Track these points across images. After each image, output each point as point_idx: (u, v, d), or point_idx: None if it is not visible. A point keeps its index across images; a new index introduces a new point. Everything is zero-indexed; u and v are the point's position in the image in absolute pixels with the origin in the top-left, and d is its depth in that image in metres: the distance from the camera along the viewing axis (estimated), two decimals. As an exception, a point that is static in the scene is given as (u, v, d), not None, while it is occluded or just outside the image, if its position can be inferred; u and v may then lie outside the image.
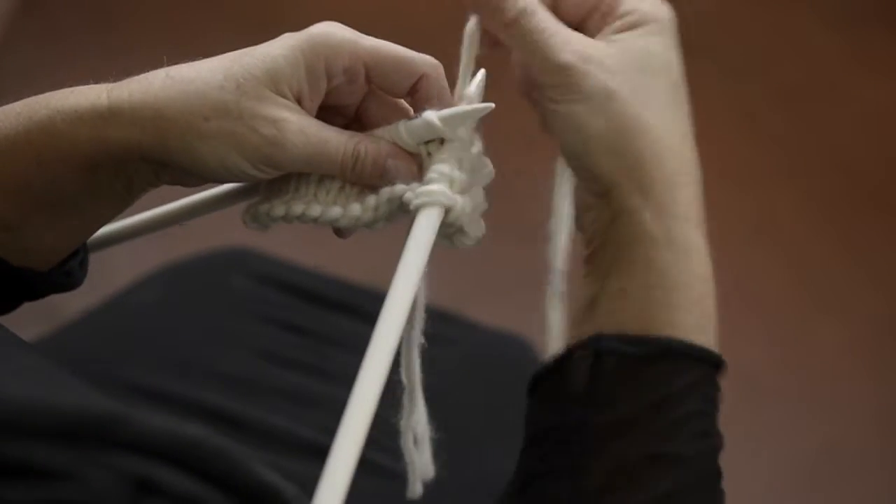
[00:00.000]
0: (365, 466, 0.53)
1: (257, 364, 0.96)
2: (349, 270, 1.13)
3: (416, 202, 0.59)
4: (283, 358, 0.97)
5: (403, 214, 0.60)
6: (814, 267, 1.89)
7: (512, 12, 0.61)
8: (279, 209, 0.62)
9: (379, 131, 0.62)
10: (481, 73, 0.64)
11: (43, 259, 0.62)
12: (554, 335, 0.65)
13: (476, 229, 0.62)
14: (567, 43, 0.61)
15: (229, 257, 1.08)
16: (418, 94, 0.61)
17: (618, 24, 0.63)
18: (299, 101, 0.60)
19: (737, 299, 1.85)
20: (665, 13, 0.64)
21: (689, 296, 0.61)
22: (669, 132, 0.62)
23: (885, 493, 1.67)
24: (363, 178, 0.61)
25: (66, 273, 0.64)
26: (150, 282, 1.06)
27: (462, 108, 0.61)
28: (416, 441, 0.65)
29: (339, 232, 0.64)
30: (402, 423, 0.64)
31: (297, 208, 0.62)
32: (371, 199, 0.61)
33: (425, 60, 0.61)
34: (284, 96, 0.59)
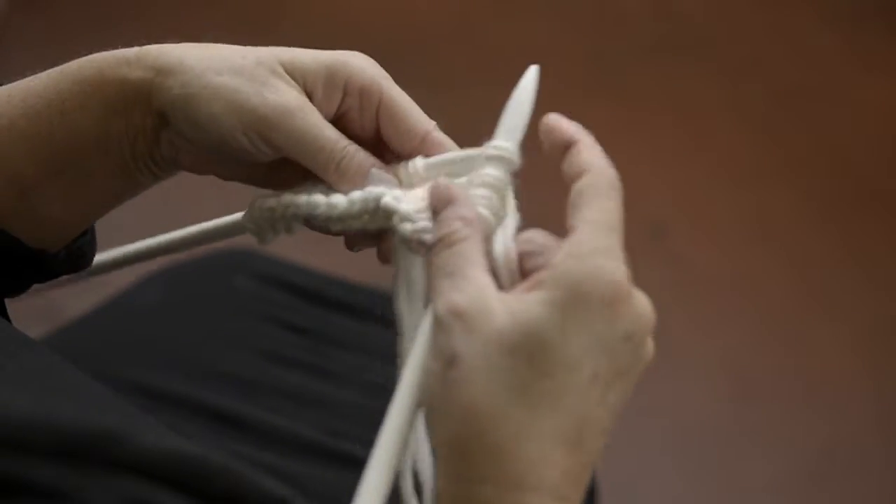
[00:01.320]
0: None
1: (258, 364, 0.96)
2: (350, 270, 1.13)
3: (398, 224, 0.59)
4: (284, 358, 0.97)
5: (378, 226, 0.60)
6: (813, 267, 1.89)
7: (434, 239, 0.55)
8: (270, 202, 0.63)
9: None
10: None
11: (53, 234, 0.64)
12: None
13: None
14: (457, 290, 0.52)
15: (231, 257, 1.08)
16: (427, 147, 0.62)
17: (532, 278, 0.53)
18: (310, 99, 0.61)
19: (736, 299, 1.85)
20: (589, 283, 0.51)
21: None
22: (512, 430, 0.50)
23: (885, 494, 1.67)
24: (345, 178, 0.61)
25: (78, 253, 0.66)
26: (151, 282, 1.06)
27: (450, 155, 0.61)
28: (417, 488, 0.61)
29: (349, 243, 0.64)
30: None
31: (286, 198, 0.62)
32: (356, 194, 0.61)
33: (432, 123, 0.62)
34: (298, 84, 0.61)
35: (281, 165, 0.64)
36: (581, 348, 0.50)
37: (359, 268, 1.23)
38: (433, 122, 0.63)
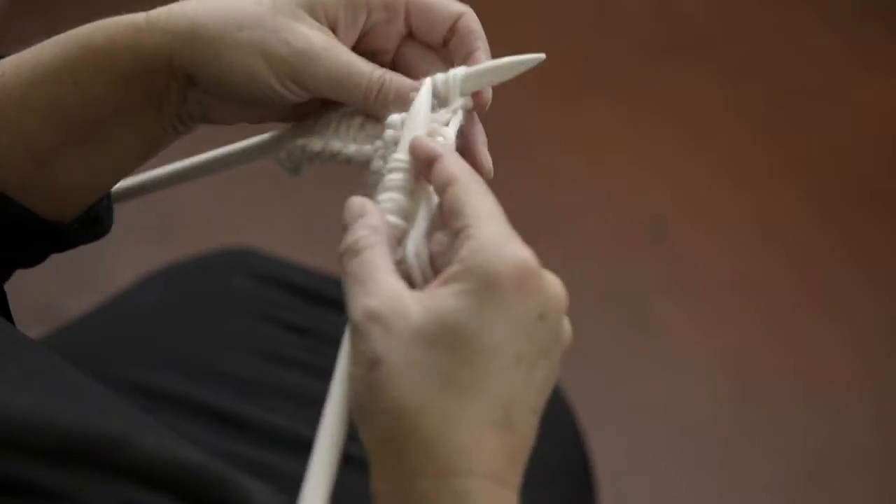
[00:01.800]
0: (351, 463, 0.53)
1: (258, 364, 0.96)
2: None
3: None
4: (284, 358, 0.97)
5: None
6: (813, 267, 1.89)
7: (341, 247, 0.55)
8: (299, 141, 0.64)
9: None
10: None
11: (72, 202, 0.63)
12: None
13: None
14: (369, 295, 0.52)
15: (230, 257, 1.08)
16: (459, 33, 0.62)
17: (442, 275, 0.53)
18: (334, 31, 0.61)
19: (736, 298, 1.85)
20: (499, 267, 0.51)
21: None
22: (440, 421, 0.51)
23: (885, 494, 1.67)
24: (385, 107, 0.61)
25: (94, 220, 0.65)
26: (151, 282, 1.06)
27: (494, 62, 0.61)
28: None
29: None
30: None
31: (317, 144, 0.63)
32: (379, 142, 0.61)
33: (461, 4, 0.62)
34: (319, 20, 0.61)
35: (307, 100, 0.64)
36: (499, 333, 0.51)
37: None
38: (465, 6, 0.63)
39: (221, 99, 0.62)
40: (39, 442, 0.47)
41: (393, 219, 0.57)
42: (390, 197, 0.58)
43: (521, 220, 0.58)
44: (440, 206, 0.56)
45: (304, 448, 0.89)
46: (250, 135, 0.69)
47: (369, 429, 0.52)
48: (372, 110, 0.62)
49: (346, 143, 0.63)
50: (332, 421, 0.53)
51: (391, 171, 0.58)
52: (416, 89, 0.61)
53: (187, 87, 0.61)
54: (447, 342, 0.51)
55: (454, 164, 0.56)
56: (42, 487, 0.46)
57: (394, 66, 0.64)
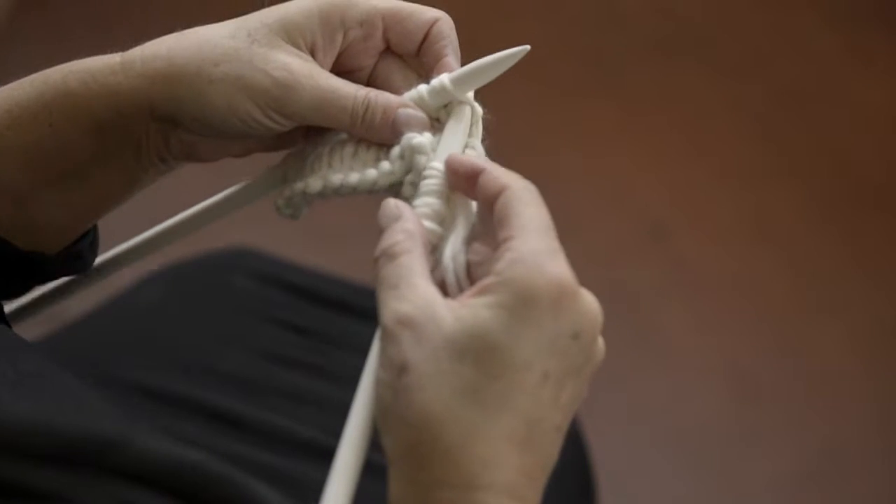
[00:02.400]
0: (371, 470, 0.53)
1: (258, 364, 0.96)
2: (350, 270, 1.13)
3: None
4: (284, 358, 0.97)
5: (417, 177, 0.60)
6: (814, 267, 1.89)
7: (377, 251, 0.54)
8: (298, 185, 0.62)
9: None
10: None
11: (53, 239, 0.63)
12: None
13: None
14: (402, 300, 0.52)
15: (230, 257, 1.08)
16: (429, 40, 0.61)
17: (478, 284, 0.53)
18: (313, 54, 0.60)
19: (737, 299, 1.85)
20: (536, 283, 0.51)
21: None
22: (464, 433, 0.50)
23: (886, 494, 1.67)
24: (373, 129, 0.60)
25: (75, 255, 0.64)
26: (152, 282, 1.06)
27: (476, 63, 0.60)
28: None
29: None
30: None
31: (316, 184, 0.61)
32: (385, 164, 0.60)
33: (437, 10, 0.61)
34: (298, 46, 0.60)
35: (291, 129, 0.63)
36: (530, 349, 0.50)
37: (359, 268, 1.23)
38: (440, 12, 0.62)
39: (205, 136, 0.61)
40: (37, 446, 0.47)
41: (429, 224, 0.56)
42: (426, 202, 0.57)
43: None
44: (492, 215, 0.54)
45: (303, 448, 0.89)
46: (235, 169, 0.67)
47: (392, 435, 0.51)
48: (359, 133, 0.61)
49: (346, 173, 0.61)
50: (357, 425, 0.53)
51: (426, 177, 0.57)
52: (403, 105, 0.60)
53: (168, 130, 0.60)
54: (477, 355, 0.50)
55: (503, 174, 0.55)
56: (40, 491, 0.46)
57: (370, 81, 0.63)
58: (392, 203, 0.56)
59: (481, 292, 0.51)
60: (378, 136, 0.61)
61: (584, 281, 0.53)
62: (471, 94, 0.62)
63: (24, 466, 0.46)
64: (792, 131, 2.07)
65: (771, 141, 2.06)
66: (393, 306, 0.51)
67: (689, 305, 1.80)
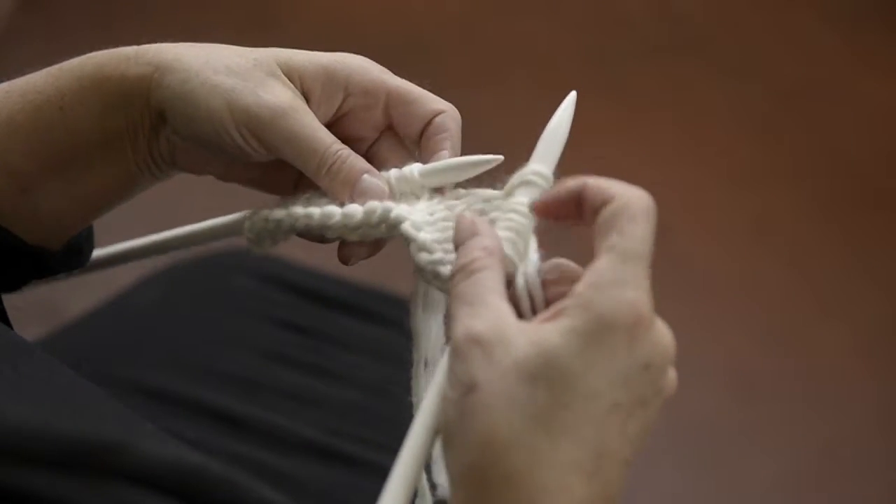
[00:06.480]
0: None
1: (258, 363, 0.96)
2: (351, 270, 1.13)
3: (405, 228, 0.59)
4: (284, 357, 0.97)
5: (381, 235, 0.61)
6: (815, 266, 1.89)
7: (454, 266, 0.54)
8: (277, 213, 0.63)
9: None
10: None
11: (55, 232, 0.64)
12: None
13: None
14: (475, 317, 0.51)
15: (230, 257, 1.08)
16: (431, 129, 0.62)
17: (553, 307, 0.52)
18: (307, 101, 0.62)
19: (738, 299, 1.85)
20: (613, 310, 0.50)
21: None
22: (527, 459, 0.49)
23: (886, 494, 1.67)
24: (335, 182, 0.61)
25: (74, 249, 0.66)
26: (151, 282, 1.06)
27: (448, 161, 0.61)
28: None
29: (344, 258, 0.64)
30: None
31: (297, 210, 0.62)
32: (351, 207, 0.61)
33: (445, 102, 0.63)
34: (295, 85, 0.61)
35: (276, 168, 0.65)
36: (601, 378, 0.49)
37: (359, 268, 1.23)
38: (448, 105, 0.63)
39: (187, 140, 0.62)
40: (38, 450, 0.47)
41: (508, 249, 0.55)
42: (507, 236, 0.56)
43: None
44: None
45: (303, 448, 0.89)
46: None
47: (455, 454, 0.50)
48: (321, 182, 0.62)
49: (309, 208, 0.61)
50: (418, 438, 0.52)
51: (512, 210, 0.57)
52: (368, 172, 0.61)
53: (159, 125, 0.62)
54: (547, 380, 0.49)
55: (623, 184, 0.54)
56: (41, 495, 0.46)
57: (368, 154, 0.64)
58: (467, 218, 0.55)
59: (556, 315, 0.50)
60: (337, 191, 0.61)
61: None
62: (551, 167, 0.59)
63: (23, 471, 0.46)
64: (793, 131, 2.07)
65: (771, 140, 2.06)
66: (466, 323, 0.50)
67: (689, 305, 1.80)
